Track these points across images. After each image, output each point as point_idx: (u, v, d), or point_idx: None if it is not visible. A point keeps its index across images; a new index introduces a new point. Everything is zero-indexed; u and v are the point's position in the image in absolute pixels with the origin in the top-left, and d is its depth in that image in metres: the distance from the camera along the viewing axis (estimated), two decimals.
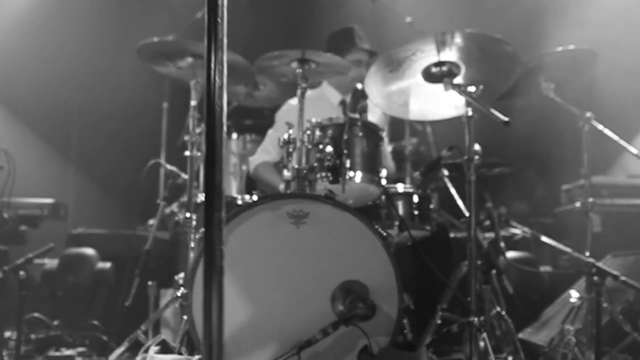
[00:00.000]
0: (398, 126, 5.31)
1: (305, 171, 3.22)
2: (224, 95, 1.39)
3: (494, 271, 3.49)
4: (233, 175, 4.90)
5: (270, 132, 4.52)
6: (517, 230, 4.90)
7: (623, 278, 3.50)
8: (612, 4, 4.52)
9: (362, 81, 3.67)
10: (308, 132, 3.28)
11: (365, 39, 4.49)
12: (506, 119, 2.97)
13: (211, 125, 1.33)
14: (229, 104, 5.43)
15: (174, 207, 4.87)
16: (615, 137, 3.81)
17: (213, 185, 1.29)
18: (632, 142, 3.88)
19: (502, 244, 3.99)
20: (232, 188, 4.83)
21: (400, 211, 3.62)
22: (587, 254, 3.72)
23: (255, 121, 5.60)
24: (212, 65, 1.38)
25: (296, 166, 3.23)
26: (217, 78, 1.37)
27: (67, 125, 6.80)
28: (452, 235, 4.42)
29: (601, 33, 4.57)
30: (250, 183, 4.66)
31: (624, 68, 4.79)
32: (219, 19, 1.40)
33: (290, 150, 3.28)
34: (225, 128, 1.37)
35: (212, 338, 1.32)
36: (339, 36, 4.49)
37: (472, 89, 3.30)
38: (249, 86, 5.06)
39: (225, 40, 1.41)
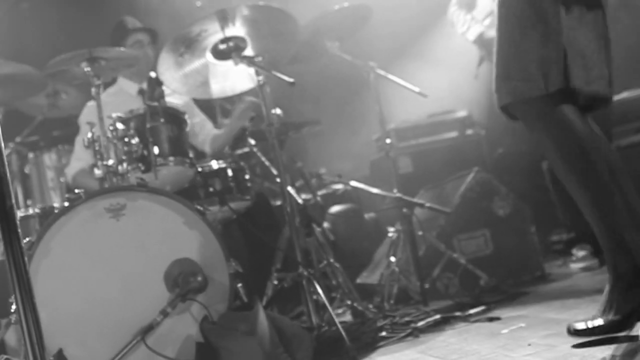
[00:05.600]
0: (210, 110, 5.40)
1: (115, 166, 3.27)
2: None
3: (314, 224, 3.69)
4: (53, 190, 4.81)
5: (77, 138, 4.48)
6: (339, 185, 5.17)
7: (428, 204, 3.82)
8: None
9: (154, 67, 3.73)
10: (111, 127, 3.32)
11: (137, 22, 4.52)
12: (291, 80, 3.16)
13: None
14: (33, 119, 5.30)
15: None
16: (398, 80, 4.09)
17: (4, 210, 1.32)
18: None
19: (319, 199, 4.21)
20: (54, 203, 4.74)
21: (218, 187, 3.73)
22: (395, 190, 4.00)
23: (65, 131, 5.49)
24: None
25: (105, 163, 3.27)
26: None
27: None
28: (274, 203, 4.59)
29: None
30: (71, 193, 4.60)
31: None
32: None
33: (97, 148, 3.31)
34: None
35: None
36: (114, 31, 4.51)
37: (259, 58, 3.47)
38: (50, 97, 4.95)
39: None
